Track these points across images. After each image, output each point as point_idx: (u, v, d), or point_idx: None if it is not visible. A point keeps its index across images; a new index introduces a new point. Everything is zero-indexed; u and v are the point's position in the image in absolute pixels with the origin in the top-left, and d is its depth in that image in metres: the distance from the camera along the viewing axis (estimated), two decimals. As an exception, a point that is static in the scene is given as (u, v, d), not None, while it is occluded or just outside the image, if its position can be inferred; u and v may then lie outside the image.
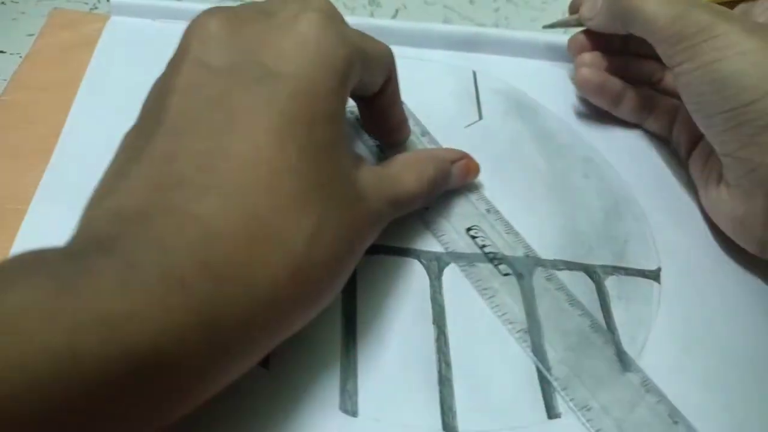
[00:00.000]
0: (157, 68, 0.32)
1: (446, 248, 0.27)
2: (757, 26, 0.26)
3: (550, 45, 0.35)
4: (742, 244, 0.27)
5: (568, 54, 0.34)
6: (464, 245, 0.27)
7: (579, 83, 0.32)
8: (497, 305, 0.25)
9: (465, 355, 0.24)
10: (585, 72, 0.32)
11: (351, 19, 0.35)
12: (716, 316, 0.26)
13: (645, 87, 0.33)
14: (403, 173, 0.24)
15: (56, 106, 0.30)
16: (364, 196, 0.21)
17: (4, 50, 0.35)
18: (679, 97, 0.28)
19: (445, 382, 0.23)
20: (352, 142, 0.30)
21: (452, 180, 0.27)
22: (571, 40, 0.34)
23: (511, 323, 0.25)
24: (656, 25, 0.27)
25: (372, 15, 0.40)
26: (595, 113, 0.33)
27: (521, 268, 0.26)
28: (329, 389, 0.22)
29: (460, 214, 0.28)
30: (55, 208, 0.26)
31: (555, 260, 0.27)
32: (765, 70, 0.24)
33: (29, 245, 0.24)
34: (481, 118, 0.33)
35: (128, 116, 0.29)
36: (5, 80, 0.31)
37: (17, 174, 0.27)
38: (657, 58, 0.28)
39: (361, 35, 0.23)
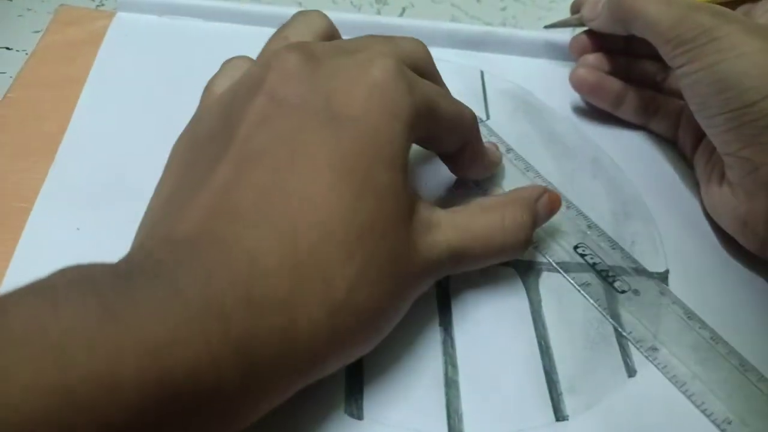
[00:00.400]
0: (162, 64, 0.32)
1: (562, 268, 0.27)
2: (758, 27, 0.26)
3: (558, 44, 0.35)
4: (743, 242, 0.27)
5: (571, 54, 0.34)
6: (576, 265, 0.27)
7: (574, 83, 0.32)
8: (622, 324, 0.25)
9: (471, 357, 0.24)
10: (581, 71, 0.32)
11: (357, 17, 0.35)
12: (724, 317, 0.26)
13: (647, 89, 0.32)
14: (475, 221, 0.23)
15: (62, 103, 0.30)
16: (419, 246, 0.21)
17: (11, 47, 0.34)
18: (683, 98, 0.28)
19: (451, 384, 0.23)
20: (426, 184, 0.29)
21: (539, 221, 0.25)
22: (573, 41, 0.33)
23: (638, 341, 0.25)
24: (658, 27, 0.26)
25: (379, 13, 0.40)
26: (602, 114, 0.33)
27: (635, 284, 0.26)
28: (334, 392, 0.22)
29: (564, 232, 0.28)
30: (60, 205, 0.26)
31: (564, 262, 0.27)
32: (767, 71, 0.24)
33: (34, 243, 0.24)
34: (488, 118, 0.33)
35: (134, 113, 0.30)
36: (11, 77, 0.31)
37: (23, 171, 0.27)
38: (660, 59, 0.28)
39: (439, 92, 0.23)
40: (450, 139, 0.24)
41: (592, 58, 0.32)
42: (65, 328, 0.14)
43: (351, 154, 0.19)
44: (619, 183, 0.30)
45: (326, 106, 0.20)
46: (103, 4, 0.38)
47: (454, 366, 0.23)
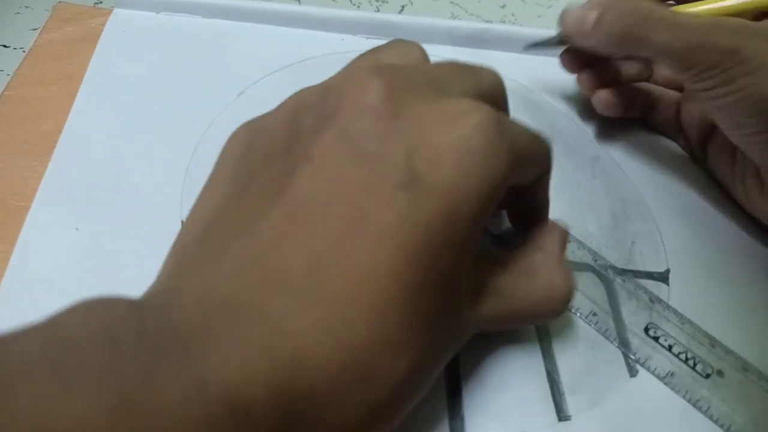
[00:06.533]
0: (160, 61, 0.32)
1: (639, 361, 0.24)
2: None
3: (559, 42, 0.35)
4: None
5: (564, 69, 0.32)
6: (651, 350, 0.24)
7: (601, 107, 0.31)
8: (717, 418, 0.23)
9: (473, 359, 0.23)
10: (605, 96, 0.30)
11: (357, 15, 0.35)
12: (725, 317, 0.26)
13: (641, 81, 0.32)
14: (520, 288, 0.21)
15: (60, 100, 0.30)
16: (465, 319, 0.19)
17: (8, 45, 0.34)
18: (677, 88, 0.27)
19: (453, 387, 0.23)
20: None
21: None
22: (564, 58, 0.32)
23: (736, 430, 0.23)
24: (674, 55, 0.25)
25: (378, 10, 0.40)
26: (603, 112, 0.33)
27: (716, 364, 0.24)
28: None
29: (630, 313, 0.25)
30: (58, 204, 0.26)
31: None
32: None
33: (33, 242, 0.24)
34: (488, 116, 0.32)
35: (131, 110, 0.29)
36: (9, 75, 0.31)
37: (22, 170, 0.27)
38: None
39: (523, 131, 0.20)
40: (527, 178, 0.22)
41: (604, 93, 0.31)
42: (80, 416, 0.12)
43: (423, 231, 0.16)
44: (620, 182, 0.30)
45: (405, 163, 0.17)
46: (100, 2, 0.37)
47: (456, 369, 0.23)
